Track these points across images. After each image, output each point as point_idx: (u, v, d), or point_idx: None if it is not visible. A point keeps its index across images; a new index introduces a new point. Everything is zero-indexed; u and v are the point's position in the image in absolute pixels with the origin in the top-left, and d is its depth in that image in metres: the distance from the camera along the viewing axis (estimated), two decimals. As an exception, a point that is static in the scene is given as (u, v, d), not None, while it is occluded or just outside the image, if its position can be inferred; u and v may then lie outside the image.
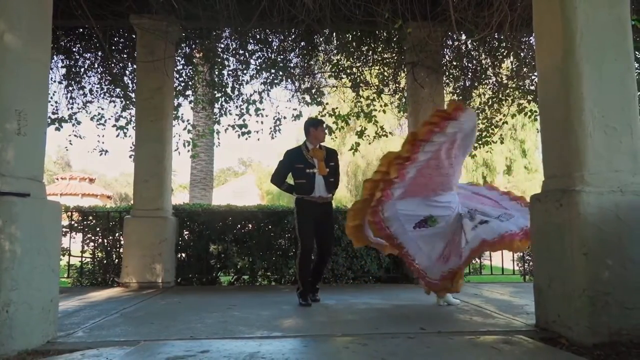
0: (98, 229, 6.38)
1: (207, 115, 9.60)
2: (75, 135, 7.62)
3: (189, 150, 8.21)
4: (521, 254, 7.17)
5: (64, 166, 43.95)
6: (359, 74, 7.32)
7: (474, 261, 6.29)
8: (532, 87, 7.05)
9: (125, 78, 7.31)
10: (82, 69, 7.21)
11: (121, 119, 7.36)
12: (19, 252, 2.73)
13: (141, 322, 3.64)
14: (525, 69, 6.88)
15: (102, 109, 7.50)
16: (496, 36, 6.56)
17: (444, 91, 6.97)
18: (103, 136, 7.65)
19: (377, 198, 3.98)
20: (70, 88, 7.26)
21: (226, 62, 7.23)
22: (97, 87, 7.39)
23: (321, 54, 7.45)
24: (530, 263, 6.50)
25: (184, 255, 6.31)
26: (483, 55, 7.19)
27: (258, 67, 7.12)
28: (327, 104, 7.85)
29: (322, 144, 4.72)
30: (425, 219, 4.15)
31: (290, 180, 4.72)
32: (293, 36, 7.08)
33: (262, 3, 5.07)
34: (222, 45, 7.20)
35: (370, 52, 7.33)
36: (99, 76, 7.35)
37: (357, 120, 7.94)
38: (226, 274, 6.54)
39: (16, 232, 2.72)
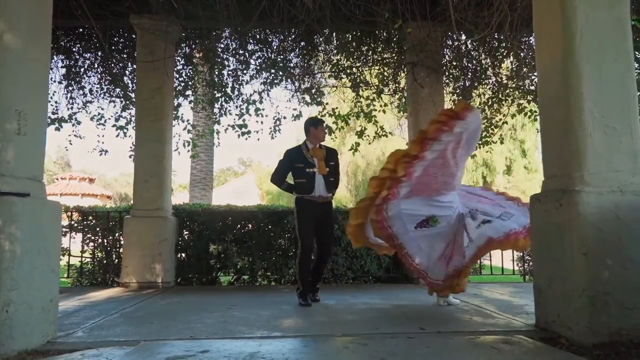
0: (98, 229, 6.38)
1: (207, 115, 9.60)
2: (75, 135, 7.62)
3: (188, 150, 8.21)
4: (521, 254, 7.18)
5: (63, 166, 43.95)
6: (358, 74, 7.32)
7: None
8: (532, 87, 7.05)
9: (125, 78, 7.31)
10: (82, 69, 7.21)
11: (121, 119, 7.37)
12: (18, 252, 2.73)
13: (141, 322, 3.64)
14: (525, 69, 6.88)
15: (102, 109, 7.51)
16: (496, 36, 6.56)
17: (444, 91, 6.98)
18: (103, 136, 7.65)
19: (383, 196, 3.95)
20: (70, 88, 7.26)
21: (226, 62, 7.23)
22: (97, 87, 7.39)
23: (321, 54, 7.45)
24: (530, 263, 6.51)
25: (183, 255, 6.31)
26: (483, 55, 7.19)
27: (258, 67, 7.12)
28: (327, 104, 7.85)
29: (322, 143, 4.72)
30: (427, 218, 4.13)
31: (290, 179, 4.72)
32: (293, 36, 7.08)
33: (262, 3, 5.07)
34: (222, 45, 7.20)
35: (370, 52, 7.33)
36: (99, 76, 7.35)
37: (357, 120, 7.94)
38: (226, 274, 6.54)
39: (16, 232, 2.72)
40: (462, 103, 4.06)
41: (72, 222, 6.43)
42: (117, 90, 7.31)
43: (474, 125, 3.95)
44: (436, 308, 4.31)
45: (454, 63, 7.18)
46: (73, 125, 7.42)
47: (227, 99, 7.44)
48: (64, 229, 6.15)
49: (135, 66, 6.51)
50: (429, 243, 4.19)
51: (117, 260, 6.29)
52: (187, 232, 6.37)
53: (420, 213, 4.13)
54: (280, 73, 7.14)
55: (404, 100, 7.55)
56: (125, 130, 7.36)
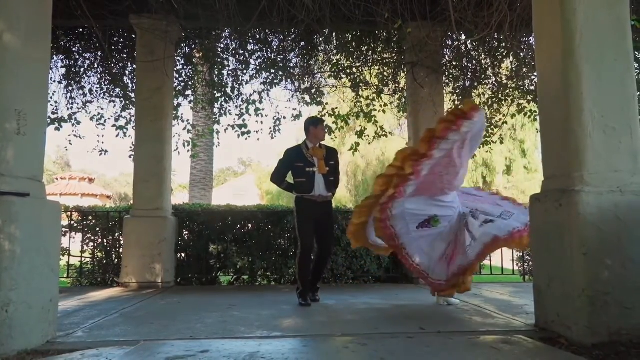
0: (98, 229, 6.38)
1: (206, 115, 9.61)
2: (75, 135, 7.62)
3: (188, 150, 8.21)
4: (521, 254, 7.19)
5: (63, 166, 43.94)
6: (358, 74, 7.33)
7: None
8: (532, 87, 7.05)
9: (125, 78, 7.31)
10: (82, 69, 7.21)
11: (121, 118, 7.37)
12: (18, 252, 2.73)
13: (141, 322, 3.64)
14: (524, 69, 6.88)
15: (102, 108, 7.51)
16: (496, 36, 6.56)
17: (444, 91, 6.98)
18: (103, 136, 7.65)
19: (389, 194, 3.92)
20: (70, 88, 7.26)
21: (226, 62, 7.23)
22: (96, 87, 7.39)
23: (321, 54, 7.45)
24: (530, 263, 6.51)
25: (183, 255, 6.31)
26: (483, 56, 7.19)
27: (258, 67, 7.12)
28: (326, 104, 7.85)
29: (322, 142, 4.72)
30: (429, 218, 4.12)
31: (290, 179, 4.72)
32: (293, 36, 7.08)
33: (262, 3, 5.07)
34: (222, 45, 7.20)
35: (370, 52, 7.33)
36: (99, 76, 7.35)
37: (357, 120, 7.94)
38: (226, 274, 6.54)
39: (16, 232, 2.72)
40: (470, 103, 4.05)
41: (72, 222, 6.43)
42: (117, 90, 7.31)
43: (479, 125, 3.95)
44: (436, 308, 4.31)
45: (454, 63, 7.18)
46: (73, 125, 7.43)
47: (227, 99, 7.44)
48: (63, 229, 6.15)
49: (135, 66, 6.51)
50: (430, 243, 4.19)
51: (117, 260, 6.28)
52: (187, 232, 6.37)
53: (423, 213, 4.11)
54: (280, 73, 7.14)
55: (403, 100, 7.55)
56: (125, 130, 7.36)
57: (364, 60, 7.34)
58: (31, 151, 3.01)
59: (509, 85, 7.21)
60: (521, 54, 6.76)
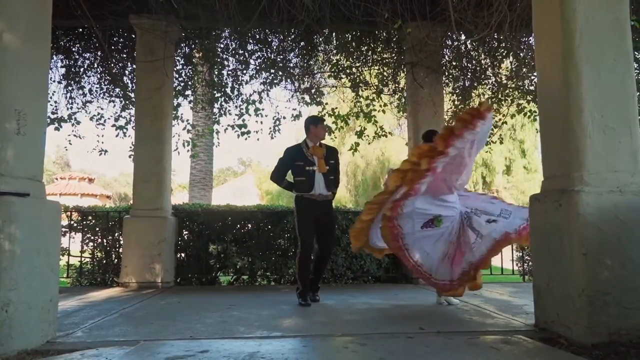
0: (97, 228, 6.38)
1: (206, 115, 9.61)
2: (74, 135, 7.62)
3: (188, 150, 8.21)
4: (520, 254, 7.19)
5: (63, 166, 43.92)
6: (358, 74, 7.33)
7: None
8: (532, 88, 7.06)
9: (125, 78, 7.31)
10: (82, 69, 7.21)
11: (121, 118, 7.37)
12: (18, 252, 2.73)
13: (141, 322, 3.64)
14: (524, 69, 6.89)
15: (102, 108, 7.51)
16: (495, 36, 6.57)
17: (444, 91, 6.98)
18: (102, 136, 7.64)
19: (404, 192, 3.87)
20: (70, 88, 7.26)
21: (226, 62, 7.24)
22: (96, 87, 7.39)
23: (321, 54, 7.45)
24: (530, 263, 6.51)
25: (183, 255, 6.31)
26: (482, 56, 7.20)
27: (257, 67, 7.12)
28: (326, 104, 7.85)
29: (322, 141, 4.72)
30: (433, 218, 4.09)
31: (290, 178, 4.72)
32: (292, 36, 7.08)
33: (261, 3, 5.07)
34: (222, 45, 7.20)
35: (370, 52, 7.33)
36: (99, 76, 7.35)
37: (357, 120, 7.95)
38: (226, 274, 6.54)
39: (15, 232, 2.72)
40: (486, 104, 4.04)
41: (72, 222, 6.43)
42: (117, 90, 7.31)
43: (488, 125, 3.96)
44: (435, 308, 4.31)
45: (454, 63, 7.18)
46: (72, 125, 7.42)
47: (227, 98, 7.44)
48: (63, 229, 6.15)
49: (134, 66, 6.51)
50: (432, 244, 4.16)
51: (116, 260, 6.28)
52: (186, 232, 6.37)
53: (429, 212, 4.08)
54: (280, 73, 7.14)
55: (403, 100, 7.55)
56: (124, 130, 7.36)
57: (364, 60, 7.34)
58: (31, 151, 3.01)
59: (508, 85, 7.22)
60: (521, 54, 6.77)
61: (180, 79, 7.33)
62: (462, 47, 7.12)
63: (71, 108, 7.36)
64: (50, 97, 6.97)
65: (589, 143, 2.99)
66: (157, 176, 6.04)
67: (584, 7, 3.07)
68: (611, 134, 3.01)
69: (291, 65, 7.33)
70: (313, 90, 7.51)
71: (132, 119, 7.03)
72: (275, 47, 7.14)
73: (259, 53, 7.13)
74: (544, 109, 3.44)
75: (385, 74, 7.40)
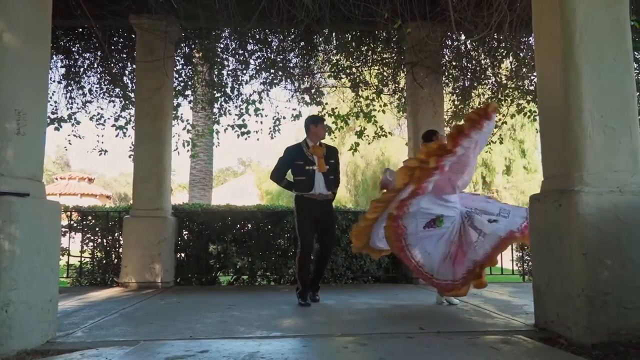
0: (97, 228, 6.38)
1: (206, 115, 9.61)
2: (74, 135, 7.62)
3: (188, 150, 8.21)
4: (520, 254, 7.19)
5: (63, 166, 43.92)
6: (358, 74, 7.33)
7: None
8: (532, 88, 7.06)
9: (125, 78, 7.32)
10: (82, 69, 7.21)
11: (120, 118, 7.37)
12: (18, 252, 2.73)
13: (140, 322, 3.64)
14: (524, 69, 6.89)
15: (102, 108, 7.51)
16: (495, 36, 6.57)
17: (444, 91, 6.98)
18: (102, 136, 7.65)
19: (412, 190, 3.86)
20: (70, 88, 7.26)
21: (225, 62, 7.24)
22: (96, 87, 7.39)
23: (320, 54, 7.45)
24: (530, 263, 6.51)
25: (183, 255, 6.31)
26: (482, 56, 7.20)
27: (257, 67, 7.12)
28: (326, 104, 7.85)
29: (322, 141, 4.72)
30: (435, 218, 4.08)
31: (290, 177, 4.72)
32: (292, 36, 7.08)
33: (261, 3, 5.07)
34: (222, 45, 7.20)
35: (370, 52, 7.33)
36: (99, 76, 7.35)
37: (357, 120, 7.95)
38: (225, 274, 6.54)
39: (15, 232, 2.72)
40: (492, 105, 4.05)
41: (72, 222, 6.43)
42: (117, 90, 7.31)
43: (491, 126, 3.96)
44: (435, 308, 4.31)
45: (454, 63, 7.19)
46: (72, 125, 7.43)
47: (227, 98, 7.45)
48: (63, 229, 6.14)
49: (134, 66, 6.51)
50: (433, 244, 4.15)
51: (116, 260, 6.28)
52: (186, 232, 6.37)
53: (432, 212, 4.07)
54: (280, 73, 7.14)
55: (403, 100, 7.55)
56: (124, 130, 7.36)
57: (364, 60, 7.35)
58: (31, 151, 3.01)
59: (508, 85, 7.22)
60: (521, 54, 6.77)
61: (180, 79, 7.33)
62: (462, 47, 7.12)
63: (71, 108, 7.38)
64: (50, 97, 6.97)
65: (589, 143, 2.99)
66: (157, 176, 6.04)
67: (584, 7, 3.07)
68: (611, 134, 3.01)
69: (291, 65, 7.34)
70: (313, 90, 7.51)
71: (132, 119, 7.03)
72: (275, 47, 7.15)
73: (258, 53, 7.13)
74: (543, 109, 3.44)
75: (385, 74, 7.41)
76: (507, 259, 7.29)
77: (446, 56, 7.15)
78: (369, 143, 8.51)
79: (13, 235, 2.71)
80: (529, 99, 7.25)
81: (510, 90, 7.27)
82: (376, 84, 7.39)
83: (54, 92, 7.20)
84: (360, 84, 7.34)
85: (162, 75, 5.92)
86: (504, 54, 6.98)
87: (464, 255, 4.05)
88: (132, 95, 6.88)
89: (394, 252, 4.31)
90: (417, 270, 4.19)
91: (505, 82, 7.24)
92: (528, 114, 7.56)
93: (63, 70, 7.19)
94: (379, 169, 17.80)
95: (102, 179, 42.63)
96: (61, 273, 5.03)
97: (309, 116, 4.88)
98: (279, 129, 7.74)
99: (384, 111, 7.62)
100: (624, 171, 2.99)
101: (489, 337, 3.06)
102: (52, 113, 7.16)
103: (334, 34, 7.02)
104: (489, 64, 7.21)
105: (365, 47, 7.28)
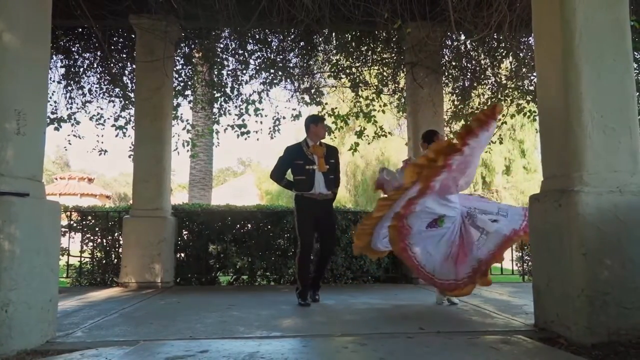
0: (97, 228, 6.38)
1: (206, 115, 9.60)
2: (74, 135, 7.62)
3: (188, 150, 8.21)
4: (520, 254, 7.19)
5: (62, 166, 43.90)
6: (358, 74, 7.33)
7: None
8: (531, 88, 7.06)
9: (125, 78, 7.32)
10: (81, 69, 7.21)
11: (120, 118, 7.37)
12: (18, 252, 2.73)
13: (140, 322, 3.63)
14: (524, 70, 6.89)
15: (101, 108, 7.51)
16: (495, 36, 6.57)
17: (443, 91, 6.98)
18: (102, 136, 7.65)
19: (420, 188, 3.85)
20: (70, 88, 7.26)
21: (225, 62, 7.24)
22: (96, 87, 7.39)
23: (320, 54, 7.45)
24: (529, 263, 6.51)
25: (183, 255, 6.31)
26: (482, 56, 7.20)
27: (257, 67, 7.12)
28: (326, 103, 7.85)
29: (322, 141, 4.71)
30: (437, 218, 4.08)
31: (290, 177, 4.72)
32: (292, 36, 7.08)
33: (261, 3, 5.07)
34: (222, 45, 7.20)
35: (370, 52, 7.34)
36: (98, 76, 7.35)
37: (357, 120, 7.95)
38: (225, 274, 6.54)
39: (15, 232, 2.72)
40: (499, 106, 4.07)
41: (71, 222, 6.43)
42: (117, 90, 7.31)
43: (494, 126, 3.97)
44: (435, 308, 4.32)
45: (453, 63, 7.19)
46: (72, 125, 7.43)
47: (227, 98, 7.45)
48: (63, 229, 6.14)
49: (134, 66, 6.51)
50: (434, 244, 4.14)
51: (116, 260, 6.28)
52: (186, 232, 6.37)
53: (435, 212, 4.06)
54: (280, 73, 7.14)
55: (403, 100, 7.55)
56: (124, 130, 7.36)
57: (364, 60, 7.35)
58: (30, 151, 3.01)
59: (508, 86, 7.22)
60: (520, 54, 6.77)
61: (180, 79, 7.33)
62: (462, 47, 7.12)
63: (71, 108, 7.38)
64: (50, 97, 6.97)
65: (589, 143, 2.99)
66: (157, 176, 6.04)
67: (584, 7, 3.07)
68: (611, 134, 3.01)
69: (291, 65, 7.34)
70: (313, 90, 7.51)
71: (132, 119, 7.03)
72: (275, 47, 7.15)
73: (258, 53, 7.13)
74: (543, 109, 3.44)
75: (385, 74, 7.41)
76: (507, 259, 7.28)
77: (446, 56, 7.15)
78: (369, 143, 8.51)
79: (13, 235, 2.71)
80: (529, 99, 7.25)
81: (510, 90, 7.27)
82: (376, 84, 7.39)
83: (54, 92, 7.21)
84: (360, 84, 7.34)
85: (162, 75, 5.92)
86: (503, 54, 6.98)
87: (466, 255, 4.04)
88: (132, 95, 6.88)
89: (396, 252, 4.28)
90: (418, 270, 4.17)
91: (505, 82, 7.24)
92: (528, 114, 7.56)
93: (63, 70, 7.20)
94: (379, 169, 17.79)
95: (101, 179, 42.63)
96: (61, 273, 5.03)
97: (309, 116, 4.88)
98: (279, 129, 7.75)
99: (383, 111, 7.61)
100: (623, 171, 2.99)
101: (488, 337, 3.06)
102: (52, 113, 7.16)
103: (333, 34, 7.02)
104: (489, 64, 7.22)
105: (365, 47, 7.29)
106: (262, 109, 7.37)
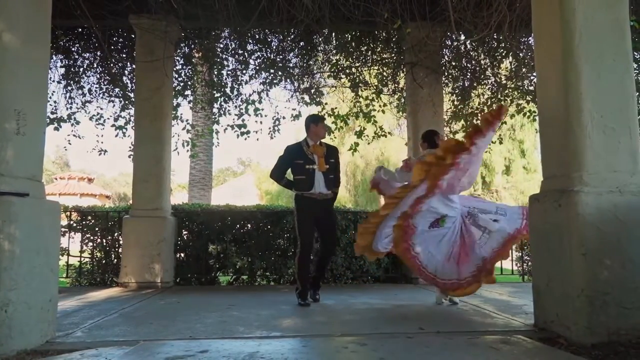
0: (97, 228, 6.38)
1: (206, 115, 9.61)
2: (74, 135, 7.61)
3: (188, 150, 8.21)
4: (520, 254, 7.19)
5: (62, 166, 43.89)
6: (358, 74, 7.33)
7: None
8: (531, 88, 7.06)
9: (124, 78, 7.31)
10: (81, 69, 7.20)
11: (120, 118, 7.36)
12: (17, 252, 2.73)
13: (140, 322, 3.63)
14: (524, 70, 6.89)
15: (101, 108, 7.51)
16: (495, 36, 6.57)
17: (443, 91, 6.98)
18: (102, 136, 7.64)
19: (429, 186, 3.85)
20: (69, 88, 7.26)
21: (225, 62, 7.24)
22: (96, 87, 7.39)
23: (320, 54, 7.46)
24: (529, 263, 6.51)
25: (182, 255, 6.31)
26: (482, 56, 7.20)
27: (257, 67, 7.12)
28: (326, 104, 7.85)
29: (322, 140, 4.71)
30: (439, 218, 4.08)
31: (290, 176, 4.72)
32: (292, 36, 7.08)
33: (261, 3, 5.07)
34: (221, 45, 7.20)
35: (370, 52, 7.34)
36: (98, 76, 7.35)
37: (356, 121, 7.95)
38: (225, 274, 6.54)
39: (15, 232, 2.72)
40: (506, 106, 4.07)
41: (71, 222, 6.42)
42: (116, 90, 7.31)
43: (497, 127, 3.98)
44: (435, 308, 4.32)
45: (453, 63, 7.19)
46: (72, 125, 7.42)
47: (226, 98, 7.44)
48: (63, 229, 6.14)
49: (134, 66, 6.51)
50: (435, 244, 4.13)
51: (116, 260, 6.28)
52: (186, 232, 6.37)
53: (438, 211, 4.06)
54: (280, 73, 7.14)
55: (403, 100, 7.55)
56: (124, 130, 7.36)
57: (364, 60, 7.35)
58: (30, 151, 3.01)
59: (508, 86, 7.22)
60: (520, 54, 6.77)
61: (179, 79, 7.33)
62: (462, 47, 7.12)
63: (70, 108, 7.37)
64: (50, 97, 6.97)
65: (589, 143, 2.99)
66: (157, 176, 6.04)
67: (584, 7, 3.07)
68: (611, 134, 3.01)
69: (291, 65, 7.34)
70: (313, 90, 7.51)
71: (132, 119, 7.03)
72: (274, 47, 7.15)
73: (258, 53, 7.13)
74: (543, 109, 3.44)
75: (384, 74, 7.41)
76: (507, 259, 7.29)
77: (446, 56, 7.15)
78: (369, 143, 8.51)
79: (13, 235, 2.71)
80: (529, 99, 7.26)
81: (510, 90, 7.28)
82: (376, 84, 7.39)
83: (54, 92, 7.21)
84: (360, 84, 7.34)
85: (161, 75, 5.92)
86: (503, 54, 6.98)
87: (467, 255, 4.04)
88: (132, 95, 6.88)
89: (399, 253, 4.26)
90: (420, 271, 4.16)
91: (504, 82, 7.24)
92: (528, 114, 7.56)
93: (63, 70, 7.20)
94: (376, 167, 17.78)
95: (101, 179, 42.62)
96: (61, 273, 5.03)
97: (310, 115, 4.88)
98: (279, 129, 7.75)
99: (383, 111, 7.61)
100: (623, 171, 2.99)
101: (488, 337, 3.06)
102: (52, 113, 7.16)
103: (333, 34, 7.02)
104: (489, 64, 7.22)
105: (365, 47, 7.29)
106: (262, 109, 7.38)
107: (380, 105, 7.41)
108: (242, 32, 6.61)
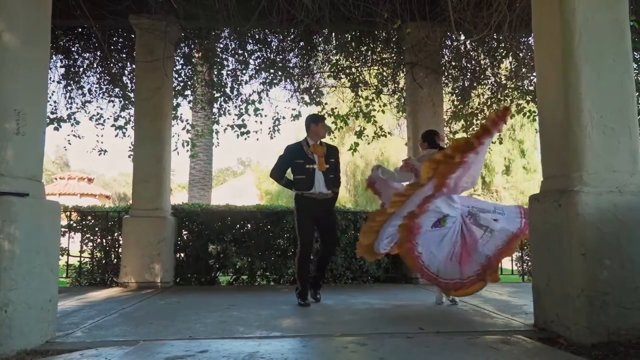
0: (97, 228, 6.38)
1: (206, 115, 9.60)
2: (74, 135, 7.61)
3: (187, 150, 8.21)
4: (520, 254, 7.19)
5: (62, 166, 43.88)
6: (358, 74, 7.33)
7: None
8: (531, 88, 7.07)
9: (124, 78, 7.32)
10: (81, 69, 7.21)
11: (120, 118, 7.37)
12: (17, 252, 2.73)
13: (140, 322, 3.63)
14: (524, 70, 6.90)
15: (101, 108, 7.51)
16: (495, 36, 6.57)
17: (443, 91, 6.98)
18: (102, 136, 7.64)
19: (436, 184, 3.84)
20: (69, 88, 7.26)
21: (225, 62, 7.24)
22: (96, 87, 7.39)
23: (320, 54, 7.46)
24: (529, 263, 6.51)
25: (182, 255, 6.31)
26: (482, 56, 7.20)
27: (257, 67, 7.12)
28: (326, 104, 7.86)
29: (322, 140, 4.71)
30: (441, 217, 4.07)
31: (290, 176, 4.71)
32: (292, 36, 7.08)
33: (261, 3, 5.07)
34: (221, 45, 7.20)
35: (369, 52, 7.34)
36: (98, 76, 7.35)
37: (356, 121, 7.95)
38: (225, 274, 6.54)
39: (15, 232, 2.72)
40: (510, 107, 4.07)
41: (71, 222, 6.43)
42: (116, 90, 7.31)
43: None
44: (435, 308, 4.32)
45: (453, 63, 7.19)
46: (72, 125, 7.42)
47: (226, 98, 7.45)
48: (62, 229, 6.14)
49: (134, 66, 6.51)
50: (437, 244, 4.12)
51: (116, 260, 6.28)
52: (186, 232, 6.37)
53: (441, 211, 4.05)
54: (280, 73, 7.14)
55: (403, 100, 7.55)
56: (124, 130, 7.36)
57: (363, 60, 7.35)
58: (30, 151, 3.01)
59: (508, 86, 7.22)
60: (520, 54, 6.77)
61: (179, 79, 7.33)
62: (462, 47, 7.12)
63: (70, 108, 7.37)
64: (50, 97, 6.97)
65: (589, 143, 2.99)
66: (157, 176, 6.04)
67: (584, 7, 3.07)
68: (610, 134, 3.01)
69: (291, 65, 7.34)
70: (312, 90, 7.51)
71: (132, 119, 7.03)
72: (274, 47, 7.15)
73: (258, 53, 7.13)
74: (543, 109, 3.44)
75: (384, 74, 7.41)
76: (507, 259, 7.29)
77: (446, 56, 7.15)
78: (369, 143, 8.51)
79: (13, 235, 2.71)
80: (529, 99, 7.26)
81: (510, 90, 7.28)
82: (376, 84, 7.39)
83: (54, 92, 7.21)
84: (360, 84, 7.35)
85: (161, 75, 5.92)
86: (503, 54, 6.98)
87: (469, 254, 4.03)
88: (132, 95, 6.88)
89: (402, 254, 4.24)
90: (422, 271, 4.15)
91: (504, 82, 7.24)
92: (527, 114, 7.56)
93: (62, 70, 7.20)
94: (374, 166, 17.75)
95: (101, 179, 42.62)
96: (60, 273, 5.04)
97: (310, 115, 4.88)
98: (279, 129, 7.75)
99: (383, 111, 7.61)
100: (623, 171, 2.99)
101: (488, 337, 3.06)
102: (52, 113, 7.16)
103: (333, 34, 7.03)
104: (489, 64, 7.22)
105: (365, 47, 7.29)
106: (262, 109, 7.38)
107: (380, 105, 7.41)
108: (242, 32, 6.61)
